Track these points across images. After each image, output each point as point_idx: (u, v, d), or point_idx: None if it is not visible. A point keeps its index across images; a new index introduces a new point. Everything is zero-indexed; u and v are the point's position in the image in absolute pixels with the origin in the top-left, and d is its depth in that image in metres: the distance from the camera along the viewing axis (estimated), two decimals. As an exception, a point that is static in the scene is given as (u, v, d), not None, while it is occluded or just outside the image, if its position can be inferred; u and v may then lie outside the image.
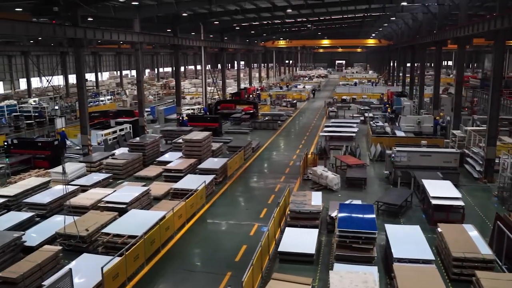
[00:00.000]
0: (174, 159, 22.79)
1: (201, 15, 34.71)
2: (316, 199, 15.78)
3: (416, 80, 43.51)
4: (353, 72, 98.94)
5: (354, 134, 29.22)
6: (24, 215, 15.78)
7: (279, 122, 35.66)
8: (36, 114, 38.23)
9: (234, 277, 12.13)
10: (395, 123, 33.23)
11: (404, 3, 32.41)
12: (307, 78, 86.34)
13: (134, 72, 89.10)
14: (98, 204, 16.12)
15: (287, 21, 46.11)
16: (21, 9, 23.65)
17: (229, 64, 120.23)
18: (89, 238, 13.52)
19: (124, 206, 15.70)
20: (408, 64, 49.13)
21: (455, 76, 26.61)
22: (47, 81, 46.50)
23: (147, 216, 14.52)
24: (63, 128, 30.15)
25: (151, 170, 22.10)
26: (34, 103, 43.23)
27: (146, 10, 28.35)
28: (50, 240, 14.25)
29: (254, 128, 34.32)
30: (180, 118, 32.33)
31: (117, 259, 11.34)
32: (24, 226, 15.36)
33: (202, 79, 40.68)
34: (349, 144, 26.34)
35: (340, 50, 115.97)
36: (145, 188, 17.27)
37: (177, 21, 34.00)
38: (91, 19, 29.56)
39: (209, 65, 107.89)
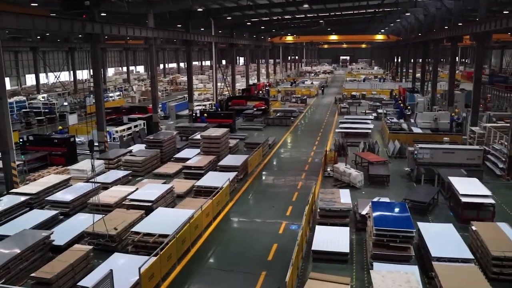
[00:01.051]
0: (192, 156, 22.56)
1: (213, 10, 34.35)
2: (345, 197, 15.55)
3: (427, 76, 43.21)
4: (358, 68, 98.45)
5: (370, 131, 29.01)
6: (48, 213, 15.59)
7: (291, 118, 35.38)
8: (46, 110, 38.00)
9: (269, 276, 11.93)
10: (410, 120, 33.00)
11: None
12: (313, 74, 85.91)
13: (139, 68, 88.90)
14: (123, 202, 15.89)
15: (297, 16, 45.72)
16: (36, 4, 23.39)
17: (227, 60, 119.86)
18: (118, 237, 13.30)
19: (149, 204, 15.47)
20: (419, 60, 48.65)
21: (474, 72, 26.26)
22: (56, 77, 46.22)
23: (176, 214, 14.28)
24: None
25: (170, 167, 21.86)
26: (43, 99, 43.03)
27: (160, 5, 28.02)
28: (77, 239, 14.08)
29: (267, 125, 34.05)
30: (195, 114, 32.01)
31: (152, 258, 11.13)
32: (48, 224, 15.18)
33: (213, 75, 40.40)
34: (365, 140, 26.12)
35: (344, 46, 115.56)
36: (169, 186, 17.03)
37: (189, 17, 33.67)
38: (103, 14, 29.19)
39: (200, 62, 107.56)
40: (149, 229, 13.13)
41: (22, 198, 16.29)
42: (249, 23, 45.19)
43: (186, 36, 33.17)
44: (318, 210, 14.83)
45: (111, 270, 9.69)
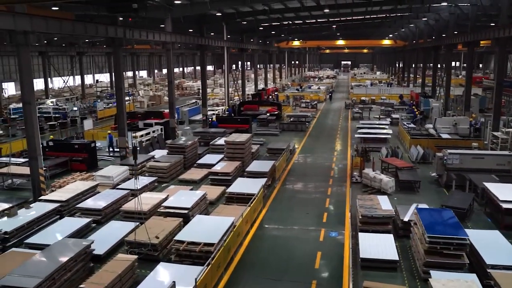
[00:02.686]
0: (216, 162, 22.27)
1: (228, 15, 34.17)
2: (385, 203, 15.28)
3: (439, 81, 43.14)
4: (361, 73, 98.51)
5: (389, 136, 28.84)
6: (81, 221, 15.22)
7: (306, 123, 35.15)
8: (58, 115, 37.60)
9: (321, 286, 11.63)
10: (424, 125, 32.88)
11: (436, 4, 31.95)
12: (317, 79, 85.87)
13: (142, 73, 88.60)
14: (158, 210, 15.55)
15: (307, 21, 45.64)
16: (57, 8, 23.08)
17: (234, 65, 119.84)
18: (160, 246, 12.96)
19: (186, 211, 15.14)
20: (429, 65, 48.55)
21: (495, 77, 26.15)
22: (64, 81, 45.85)
23: (216, 222, 13.94)
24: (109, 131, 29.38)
25: (195, 173, 21.53)
26: (52, 104, 42.62)
27: (178, 10, 27.81)
28: (115, 248, 13.75)
29: (282, 130, 33.79)
30: (210, 119, 31.75)
31: (200, 268, 10.79)
32: (81, 232, 14.83)
33: (224, 80, 40.20)
34: (384, 146, 25.94)
35: (346, 51, 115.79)
36: (202, 192, 16.70)
37: (204, 21, 33.47)
38: (121, 19, 28.91)
39: (212, 66, 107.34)
40: (192, 237, 12.77)
41: (52, 206, 15.92)
42: (261, 28, 45.03)
43: (200, 41, 32.96)
44: (360, 217, 14.54)
45: (174, 282, 9.34)
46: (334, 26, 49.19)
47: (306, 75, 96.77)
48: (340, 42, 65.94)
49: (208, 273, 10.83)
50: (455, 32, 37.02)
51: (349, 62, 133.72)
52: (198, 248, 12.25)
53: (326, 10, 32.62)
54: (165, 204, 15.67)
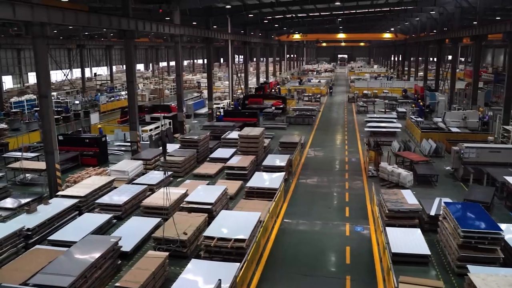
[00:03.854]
0: (228, 156, 22.07)
1: (235, 7, 33.77)
2: (409, 197, 15.18)
3: (444, 74, 43.12)
4: (359, 67, 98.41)
5: (399, 130, 28.80)
6: (102, 217, 14.92)
7: (313, 117, 34.97)
8: (60, 109, 37.06)
9: (355, 281, 11.51)
10: (430, 118, 32.88)
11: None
12: (315, 73, 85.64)
13: (139, 66, 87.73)
14: (181, 205, 15.32)
15: (310, 14, 45.32)
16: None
17: (225, 58, 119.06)
18: (188, 242, 12.75)
19: (209, 207, 14.92)
20: (431, 59, 48.47)
21: (507, 71, 26.11)
22: (64, 75, 45.22)
23: (242, 217, 13.70)
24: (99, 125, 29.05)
25: (209, 168, 21.29)
26: (54, 98, 41.99)
27: (187, 2, 27.38)
28: (140, 244, 13.52)
29: (289, 123, 33.61)
30: (218, 112, 31.46)
31: (234, 265, 10.63)
32: (104, 229, 14.57)
33: (229, 73, 39.87)
34: (393, 139, 25.87)
35: (343, 44, 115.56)
36: (223, 187, 16.45)
37: (210, 14, 33.06)
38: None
39: (204, 60, 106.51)
40: (221, 233, 12.55)
41: (71, 201, 15.61)
42: (266, 21, 44.62)
43: (207, 34, 32.57)
44: (387, 211, 14.42)
45: (220, 280, 9.14)
46: (340, 19, 48.88)
47: (305, 68, 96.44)
48: (341, 35, 65.67)
49: (245, 270, 10.65)
50: (464, 25, 36.90)
51: (346, 56, 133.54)
52: (230, 244, 12.03)
53: (338, 3, 32.30)
54: (187, 199, 15.42)
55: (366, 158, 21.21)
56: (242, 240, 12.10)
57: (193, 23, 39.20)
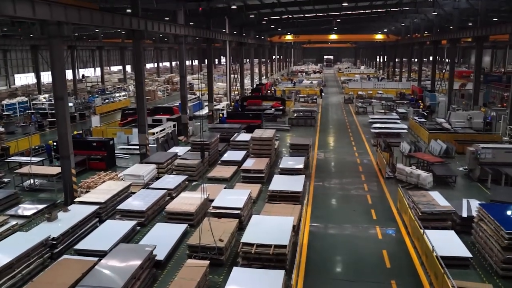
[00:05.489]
0: (240, 158, 21.67)
1: (236, 8, 33.32)
2: (440, 199, 15.06)
3: (441, 75, 43.57)
4: (346, 68, 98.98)
5: (405, 130, 28.85)
6: (125, 224, 14.35)
7: (314, 118, 34.80)
8: (54, 111, 35.92)
9: (401, 286, 11.26)
10: (431, 119, 33.08)
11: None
12: (304, 74, 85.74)
13: (128, 68, 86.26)
14: (208, 210, 14.86)
15: (306, 15, 45.21)
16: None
17: (217, 60, 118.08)
18: (225, 249, 12.31)
19: (238, 211, 14.50)
20: (426, 59, 48.75)
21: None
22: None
23: (276, 222, 13.30)
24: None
25: (222, 171, 20.82)
26: (45, 100, 40.84)
27: (191, 2, 26.87)
28: (172, 252, 13.01)
29: (292, 125, 33.35)
30: (221, 114, 30.99)
31: (277, 272, 10.28)
32: (129, 237, 14.00)
33: (226, 75, 39.45)
34: (404, 140, 25.87)
35: (329, 45, 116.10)
36: (248, 191, 16.07)
37: (210, 15, 32.57)
38: (129, 11, 27.75)
39: (192, 61, 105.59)
40: (259, 239, 12.13)
41: (91, 208, 14.98)
42: (264, 22, 44.28)
43: (208, 34, 32.09)
44: (420, 214, 14.24)
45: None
46: (339, 20, 48.89)
47: (293, 69, 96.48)
48: (333, 36, 65.83)
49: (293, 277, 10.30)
50: (464, 26, 37.23)
51: (332, 57, 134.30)
52: (271, 251, 11.65)
53: (345, 4, 32.20)
54: (214, 204, 14.96)
55: (378, 160, 21.03)
56: (283, 247, 11.72)
57: (191, 23, 38.59)
